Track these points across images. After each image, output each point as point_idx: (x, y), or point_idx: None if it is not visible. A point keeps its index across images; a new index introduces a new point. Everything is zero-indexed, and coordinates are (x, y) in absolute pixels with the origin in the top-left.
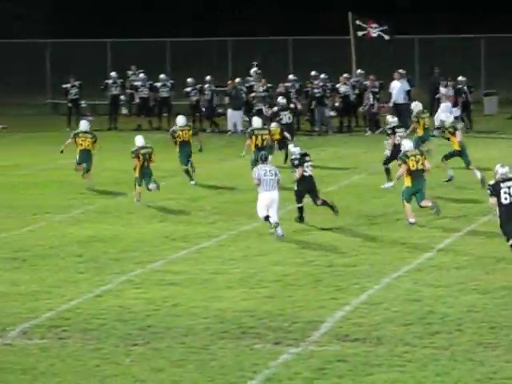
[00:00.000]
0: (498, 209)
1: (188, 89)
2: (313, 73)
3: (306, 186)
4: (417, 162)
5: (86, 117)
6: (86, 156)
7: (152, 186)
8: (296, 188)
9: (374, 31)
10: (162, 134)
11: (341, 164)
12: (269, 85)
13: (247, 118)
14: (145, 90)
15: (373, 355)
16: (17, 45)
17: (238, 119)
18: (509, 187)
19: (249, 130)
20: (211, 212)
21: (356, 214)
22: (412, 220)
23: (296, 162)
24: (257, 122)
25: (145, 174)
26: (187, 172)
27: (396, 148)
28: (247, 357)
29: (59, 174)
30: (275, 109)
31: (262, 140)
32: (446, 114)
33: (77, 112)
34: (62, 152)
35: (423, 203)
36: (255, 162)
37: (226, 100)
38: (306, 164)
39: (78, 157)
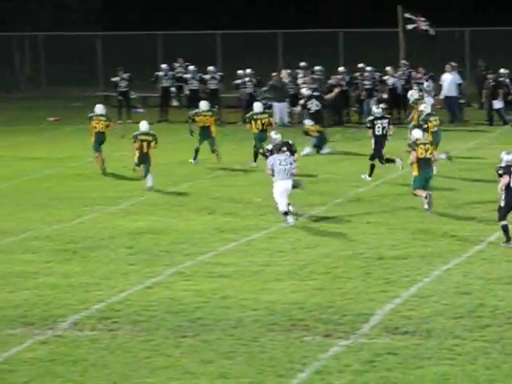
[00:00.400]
0: (504, 191)
1: (238, 81)
2: (360, 65)
3: None
4: (426, 150)
5: (137, 109)
6: (101, 138)
7: (147, 176)
8: None
9: (424, 24)
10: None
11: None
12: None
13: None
14: (195, 82)
15: (422, 348)
16: (68, 37)
17: (284, 111)
18: None
19: (248, 115)
20: (261, 204)
21: (406, 207)
22: (426, 206)
23: (268, 154)
24: (257, 106)
25: (143, 160)
26: (197, 151)
27: (377, 140)
28: (297, 349)
29: (109, 166)
30: (301, 101)
31: (262, 124)
32: (424, 104)
33: (127, 104)
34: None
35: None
36: (259, 144)
37: (271, 93)
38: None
39: (94, 141)
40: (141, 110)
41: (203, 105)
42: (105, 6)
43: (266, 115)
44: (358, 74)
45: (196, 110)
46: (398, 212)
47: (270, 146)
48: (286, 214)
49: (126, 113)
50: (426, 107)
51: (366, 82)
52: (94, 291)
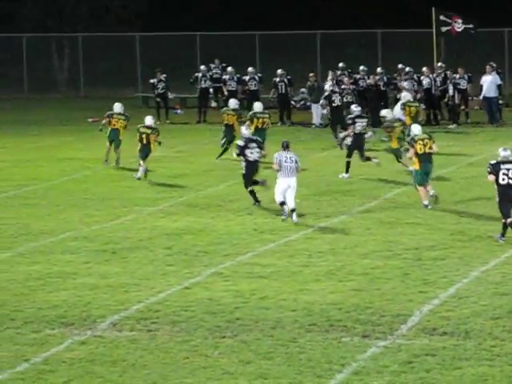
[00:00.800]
0: (496, 188)
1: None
2: (400, 65)
3: (251, 170)
4: (424, 145)
5: (176, 110)
6: (114, 134)
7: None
8: (244, 172)
9: (459, 26)
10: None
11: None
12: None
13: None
14: (233, 83)
15: (461, 349)
16: (107, 38)
17: (318, 112)
18: (508, 169)
19: (250, 113)
20: (299, 205)
21: (444, 208)
22: (426, 202)
23: (239, 151)
24: (258, 106)
25: (143, 152)
26: (223, 146)
27: (356, 138)
28: (335, 350)
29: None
30: (326, 93)
31: (262, 123)
32: (387, 110)
33: (165, 105)
34: (100, 130)
35: (427, 187)
36: (226, 137)
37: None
38: (248, 151)
39: (108, 135)
40: (180, 111)
41: (231, 103)
42: (143, 7)
43: (267, 115)
44: (395, 74)
45: (225, 108)
46: (436, 213)
47: (240, 142)
48: (282, 203)
49: (164, 114)
50: (388, 112)
51: (405, 83)
52: (133, 292)
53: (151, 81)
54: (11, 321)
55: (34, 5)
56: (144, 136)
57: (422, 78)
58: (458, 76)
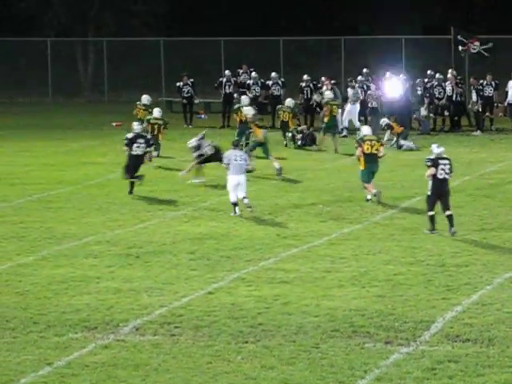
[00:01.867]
0: (431, 181)
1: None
2: (429, 72)
3: (132, 162)
4: (371, 146)
5: (200, 115)
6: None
7: (154, 153)
8: (126, 164)
9: (475, 48)
10: (273, 132)
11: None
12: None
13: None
14: (257, 88)
15: (484, 356)
16: (131, 43)
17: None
18: (445, 164)
19: (235, 107)
20: (322, 210)
21: (468, 214)
22: (369, 197)
23: (126, 142)
24: (244, 100)
25: (154, 141)
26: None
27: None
28: (358, 356)
29: (171, 172)
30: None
31: (245, 117)
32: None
33: (190, 110)
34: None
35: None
36: (241, 134)
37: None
38: (135, 145)
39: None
40: (204, 116)
41: (244, 100)
42: (168, 12)
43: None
44: (421, 79)
45: (238, 105)
46: (459, 218)
47: (130, 135)
48: (234, 204)
49: (189, 118)
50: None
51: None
52: (156, 296)
53: (177, 84)
54: (34, 324)
55: (59, 9)
56: (156, 127)
57: (446, 84)
58: (485, 82)
